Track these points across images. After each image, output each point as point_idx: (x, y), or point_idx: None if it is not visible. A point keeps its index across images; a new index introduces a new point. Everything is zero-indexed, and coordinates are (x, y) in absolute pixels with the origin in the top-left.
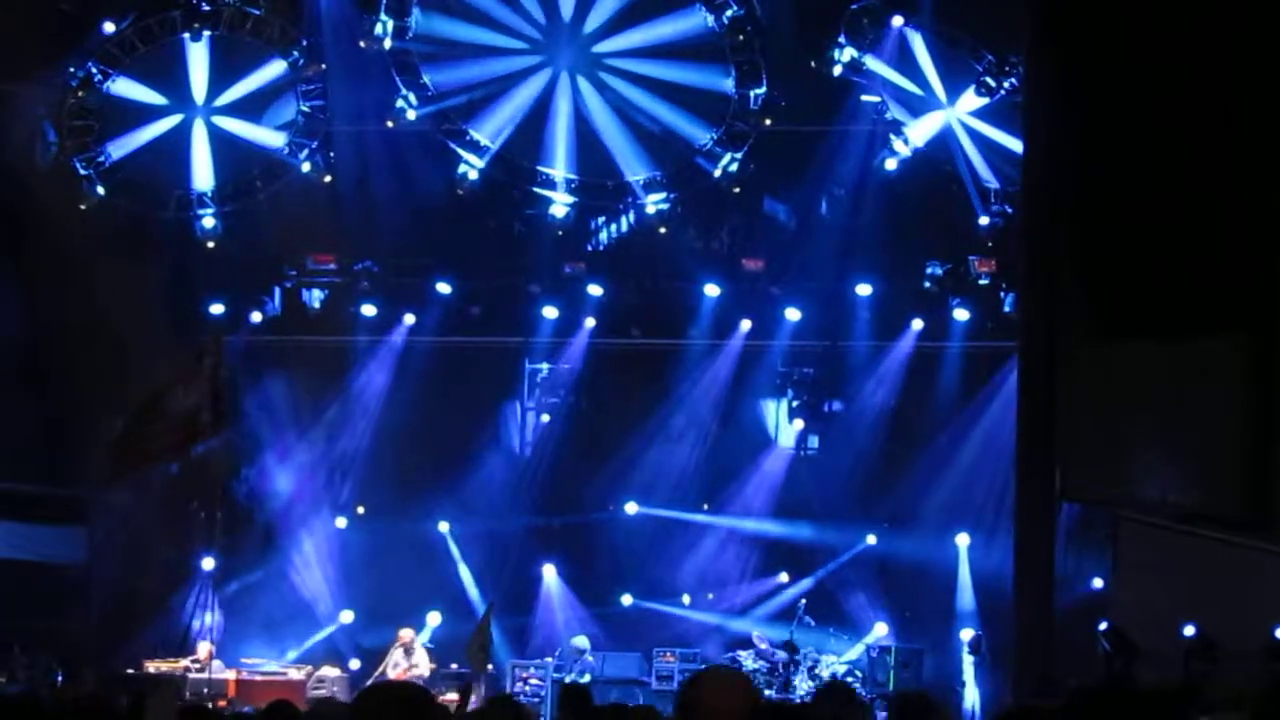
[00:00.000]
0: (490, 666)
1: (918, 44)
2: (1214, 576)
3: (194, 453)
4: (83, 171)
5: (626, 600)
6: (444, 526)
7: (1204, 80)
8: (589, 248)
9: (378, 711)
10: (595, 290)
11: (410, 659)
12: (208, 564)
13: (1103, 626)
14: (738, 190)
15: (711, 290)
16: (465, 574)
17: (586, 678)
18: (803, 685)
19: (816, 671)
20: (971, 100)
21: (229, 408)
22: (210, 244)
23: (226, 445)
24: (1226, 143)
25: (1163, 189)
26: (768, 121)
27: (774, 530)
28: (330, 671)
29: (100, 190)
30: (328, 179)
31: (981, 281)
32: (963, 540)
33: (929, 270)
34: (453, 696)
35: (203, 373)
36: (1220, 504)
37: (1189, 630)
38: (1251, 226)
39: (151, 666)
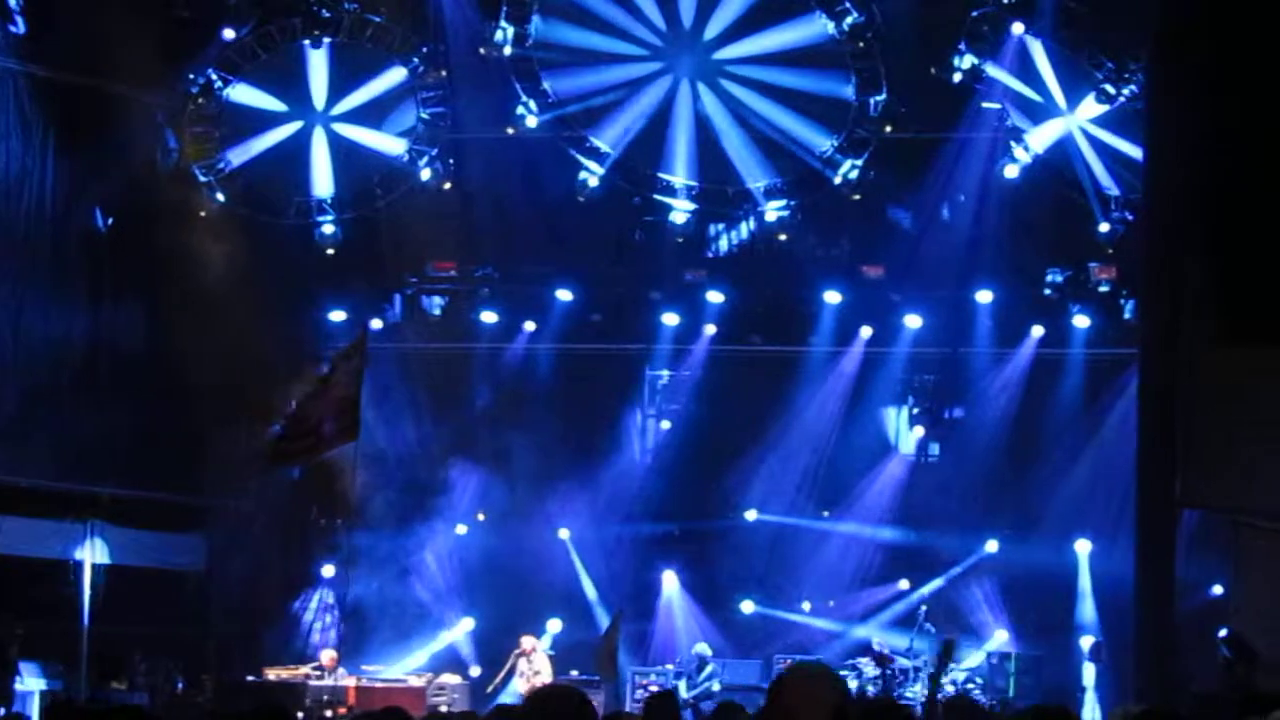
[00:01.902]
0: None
1: (1037, 51)
2: None
3: (322, 457)
4: (203, 178)
5: (747, 607)
6: (564, 533)
7: None
8: (709, 254)
9: (554, 713)
10: (716, 297)
11: (532, 666)
12: (328, 571)
13: (1223, 633)
14: (858, 197)
15: (832, 297)
16: (586, 581)
17: (716, 685)
18: (922, 693)
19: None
20: (1091, 107)
21: (359, 415)
22: (330, 251)
23: (347, 452)
24: None
25: None
26: (888, 128)
27: (894, 537)
28: (451, 679)
29: (220, 197)
30: (447, 186)
31: (1102, 288)
32: (1083, 547)
33: (1049, 277)
34: None
35: (343, 373)
36: None
37: None
38: None
39: (272, 674)
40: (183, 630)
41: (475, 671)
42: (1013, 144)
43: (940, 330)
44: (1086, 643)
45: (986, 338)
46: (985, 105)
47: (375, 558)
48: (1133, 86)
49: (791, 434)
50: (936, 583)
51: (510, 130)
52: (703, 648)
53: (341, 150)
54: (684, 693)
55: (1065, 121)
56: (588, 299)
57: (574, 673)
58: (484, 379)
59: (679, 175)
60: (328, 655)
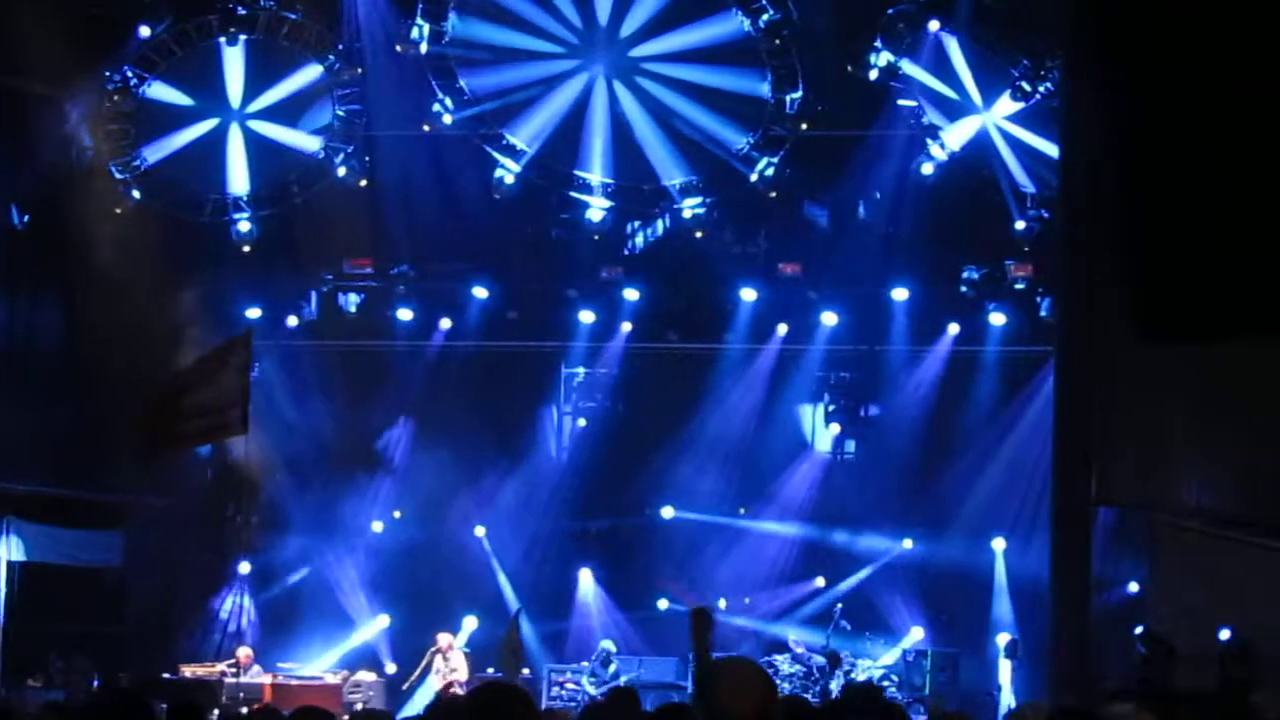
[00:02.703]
0: (526, 670)
1: (954, 48)
2: (1251, 580)
3: (230, 455)
4: (119, 176)
5: (663, 604)
6: (480, 531)
7: (1252, 77)
8: (626, 252)
9: (498, 709)
10: (632, 295)
11: (448, 664)
12: (244, 569)
13: (1139, 630)
14: (774, 195)
15: (748, 294)
16: (502, 578)
17: (623, 680)
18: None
19: (853, 676)
20: (1007, 105)
21: (249, 409)
22: (246, 248)
23: (263, 450)
24: (1272, 142)
25: (1205, 190)
26: (804, 126)
27: (810, 535)
28: (367, 676)
29: (136, 194)
30: (364, 183)
31: (1018, 286)
32: (999, 544)
33: (966, 275)
34: None
35: (231, 367)
36: (1259, 508)
37: (1225, 634)
38: None
39: (188, 671)
40: (99, 628)
41: (391, 669)
42: (929, 141)
43: (857, 328)
44: (1003, 640)
45: (903, 335)
46: (901, 103)
47: (291, 555)
48: (1049, 84)
49: (708, 431)
50: (852, 580)
51: (426, 128)
52: (608, 644)
53: (258, 147)
54: (590, 689)
55: (982, 119)
56: (504, 296)
57: (490, 670)
58: (400, 376)
59: (595, 173)
60: (243, 653)
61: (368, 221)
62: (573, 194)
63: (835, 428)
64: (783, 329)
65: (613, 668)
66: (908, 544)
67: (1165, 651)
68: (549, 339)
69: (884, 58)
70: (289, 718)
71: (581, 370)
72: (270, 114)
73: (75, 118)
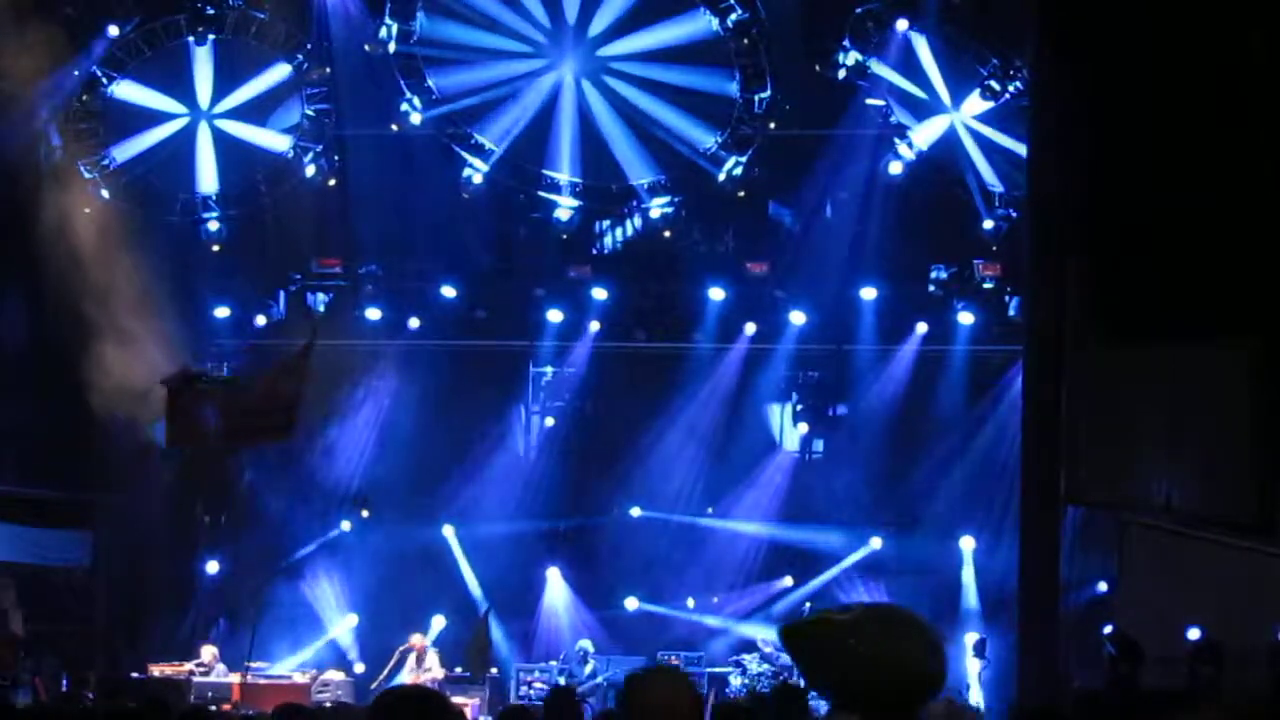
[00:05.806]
0: (494, 670)
1: (922, 47)
2: (1219, 580)
3: (197, 454)
4: (87, 175)
5: (631, 604)
6: (449, 530)
7: (1214, 82)
8: (594, 251)
9: (396, 714)
10: (600, 294)
11: (423, 665)
12: (212, 567)
13: (1107, 630)
14: (742, 194)
15: (716, 294)
16: (470, 578)
17: (600, 679)
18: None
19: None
20: (976, 104)
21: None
22: (215, 247)
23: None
24: (1236, 146)
25: (1170, 192)
26: (772, 125)
27: (779, 534)
28: (335, 675)
29: (104, 194)
30: (332, 182)
31: (986, 285)
32: (968, 543)
33: (934, 274)
34: (462, 699)
35: (298, 367)
36: (1226, 507)
37: (1193, 634)
38: (1261, 230)
39: (156, 670)
40: (67, 627)
41: (360, 668)
42: (897, 141)
43: (825, 327)
44: (971, 639)
45: (871, 334)
46: (870, 102)
47: (259, 554)
48: (1018, 83)
49: (676, 431)
50: (821, 579)
51: (395, 127)
52: (585, 643)
53: (226, 147)
54: None
55: (950, 118)
56: (472, 296)
57: (457, 669)
58: (368, 376)
59: (563, 172)
60: (208, 651)
61: (336, 221)
62: (541, 193)
63: (803, 427)
64: (750, 328)
65: (590, 667)
66: (876, 543)
67: (1133, 652)
68: (517, 338)
69: (852, 57)
70: (271, 716)
71: (549, 369)
72: (239, 113)
73: (43, 117)
